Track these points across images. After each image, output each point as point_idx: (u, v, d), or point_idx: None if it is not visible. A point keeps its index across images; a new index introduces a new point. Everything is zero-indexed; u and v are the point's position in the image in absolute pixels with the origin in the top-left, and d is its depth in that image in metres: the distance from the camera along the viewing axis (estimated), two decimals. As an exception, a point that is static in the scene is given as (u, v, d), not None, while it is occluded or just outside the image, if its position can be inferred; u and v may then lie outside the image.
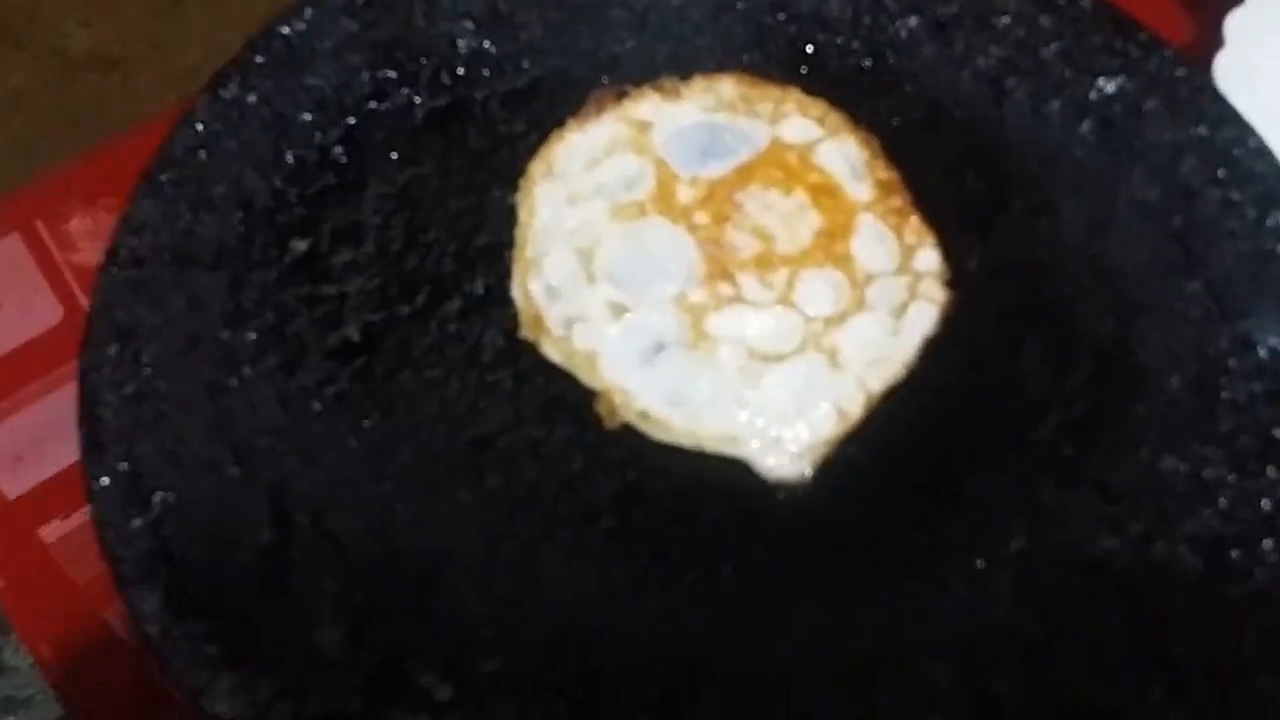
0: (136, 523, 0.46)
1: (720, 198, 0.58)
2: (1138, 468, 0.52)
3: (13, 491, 0.62)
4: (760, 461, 0.52)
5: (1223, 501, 0.50)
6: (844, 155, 0.59)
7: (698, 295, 0.56)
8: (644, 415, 0.53)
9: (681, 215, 0.58)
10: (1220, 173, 0.59)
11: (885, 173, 0.59)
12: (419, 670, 0.45)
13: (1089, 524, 0.50)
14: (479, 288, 0.56)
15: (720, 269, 0.57)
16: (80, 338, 0.52)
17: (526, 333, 0.55)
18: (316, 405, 0.51)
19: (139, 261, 0.52)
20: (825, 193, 0.58)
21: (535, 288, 0.56)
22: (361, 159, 0.59)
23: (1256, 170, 0.59)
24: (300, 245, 0.55)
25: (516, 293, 0.56)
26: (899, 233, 0.58)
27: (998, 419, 0.54)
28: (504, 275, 0.57)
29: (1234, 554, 0.49)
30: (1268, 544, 0.49)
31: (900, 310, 0.56)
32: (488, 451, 0.52)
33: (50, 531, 0.60)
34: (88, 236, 0.68)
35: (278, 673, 0.44)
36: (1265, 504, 0.50)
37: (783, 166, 0.59)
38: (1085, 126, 0.62)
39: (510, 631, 0.47)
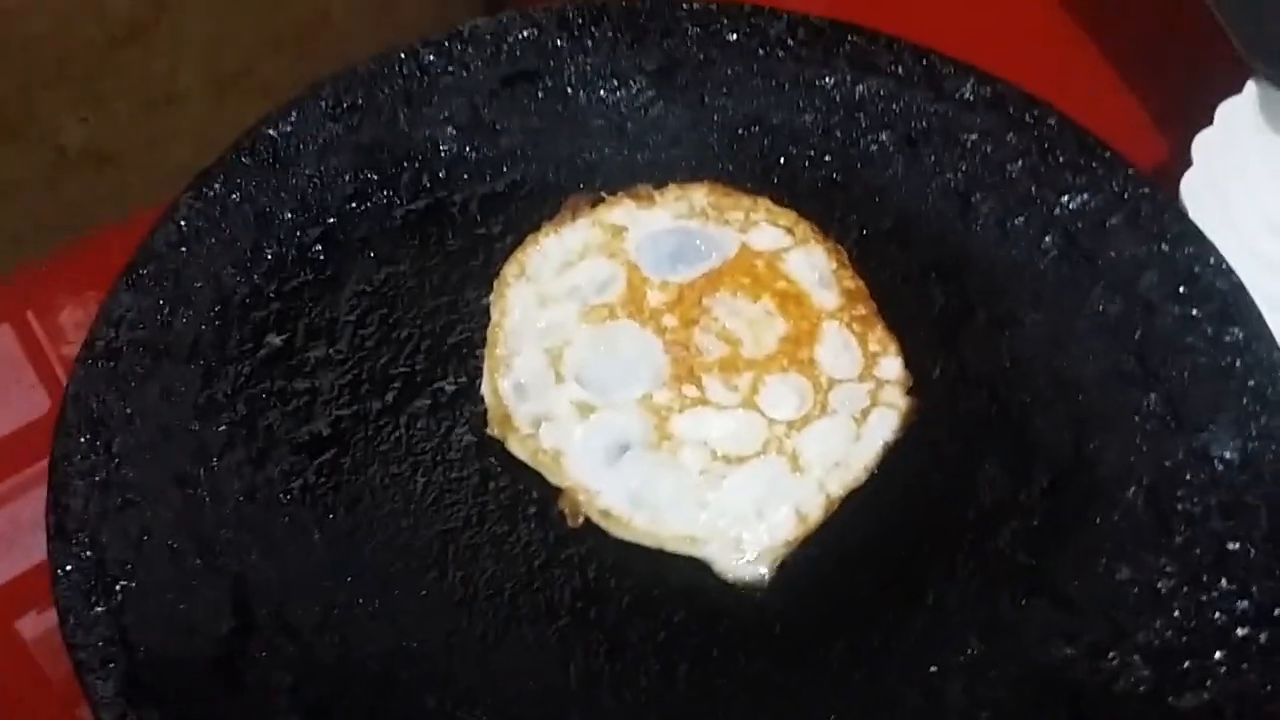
0: (98, 609, 0.47)
1: (689, 302, 0.60)
2: (1093, 578, 0.52)
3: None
4: (720, 562, 0.53)
5: (1176, 612, 0.51)
6: (811, 263, 0.61)
7: (663, 396, 0.57)
8: (606, 514, 0.54)
9: (650, 318, 0.59)
10: (1181, 288, 0.61)
11: (852, 281, 0.61)
12: (370, 766, 0.45)
13: (1043, 633, 0.51)
14: (450, 385, 0.58)
15: (686, 371, 0.58)
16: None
17: (494, 430, 0.56)
18: (283, 498, 0.52)
19: (114, 353, 0.53)
20: (792, 300, 0.59)
21: (505, 386, 0.57)
22: (340, 257, 0.60)
23: (1216, 286, 0.61)
24: (275, 340, 0.56)
25: (486, 390, 0.57)
26: (863, 340, 0.59)
27: (956, 526, 0.54)
28: (475, 373, 0.58)
29: (1187, 664, 0.49)
30: (1219, 655, 0.49)
31: (862, 416, 0.57)
32: (451, 547, 0.53)
33: (27, 625, 0.61)
34: (77, 328, 0.70)
35: (229, 764, 0.44)
36: (1218, 616, 0.50)
37: (751, 273, 0.60)
38: (1049, 241, 0.64)
39: (463, 727, 0.48)
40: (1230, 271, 0.61)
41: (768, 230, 0.63)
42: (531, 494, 0.55)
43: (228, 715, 0.45)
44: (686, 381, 0.57)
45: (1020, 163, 0.66)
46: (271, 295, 0.58)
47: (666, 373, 0.58)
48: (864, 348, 0.59)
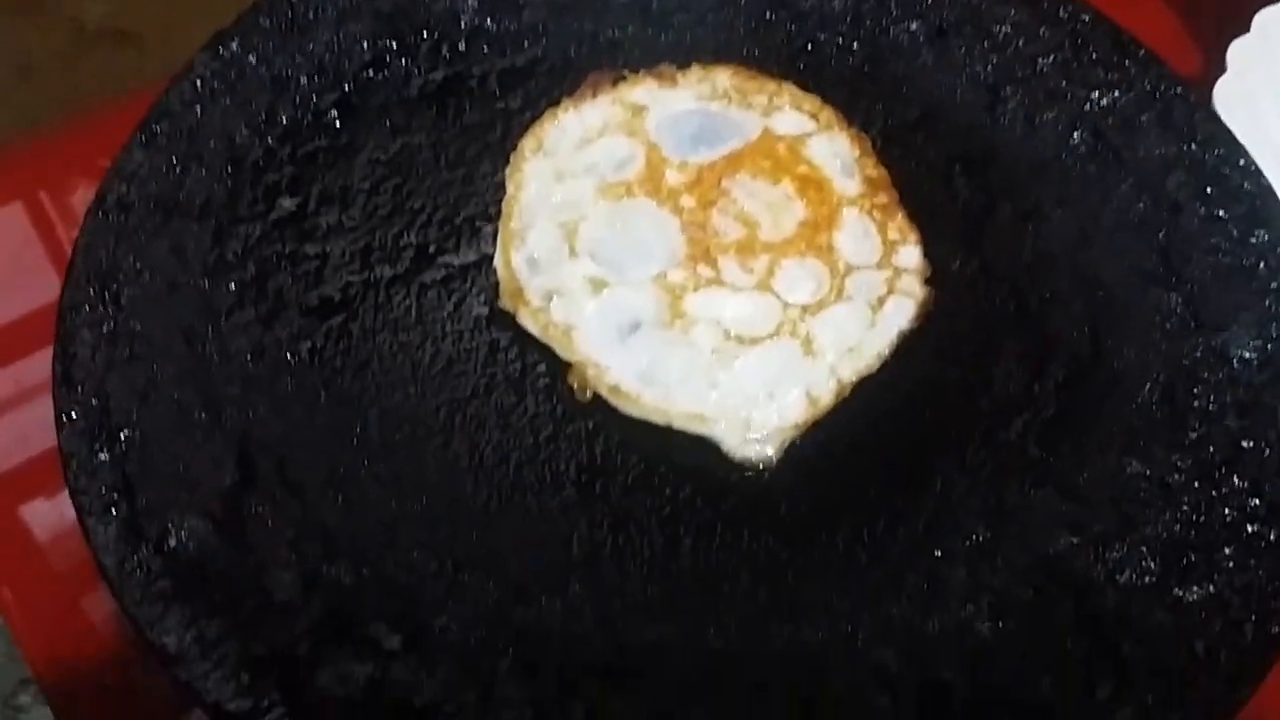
0: (101, 457, 0.47)
1: (708, 183, 0.59)
2: (1103, 471, 0.52)
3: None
4: (728, 441, 0.53)
5: (1185, 507, 0.50)
6: (834, 150, 0.60)
7: (678, 275, 0.56)
8: (615, 390, 0.53)
9: (668, 197, 0.58)
10: (1208, 189, 0.60)
11: (874, 170, 0.60)
12: (369, 619, 0.45)
13: (1050, 523, 0.50)
14: (462, 257, 0.57)
15: (702, 251, 0.57)
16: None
17: (506, 303, 0.56)
18: (290, 359, 0.52)
19: (126, 208, 0.52)
20: (812, 185, 0.58)
21: (518, 260, 0.56)
22: (355, 124, 0.59)
23: (1245, 188, 0.60)
24: (287, 203, 0.55)
25: (499, 263, 0.57)
26: (883, 229, 0.58)
27: (967, 416, 0.54)
28: (488, 247, 0.57)
29: (1193, 558, 0.49)
30: (1228, 550, 0.49)
31: (878, 304, 0.56)
32: (457, 416, 0.52)
33: (37, 511, 0.61)
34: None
35: (228, 612, 0.44)
36: (1228, 512, 0.50)
37: (772, 157, 0.59)
38: (1077, 137, 0.62)
39: (463, 590, 0.47)
40: (1259, 174, 0.60)
41: (791, 115, 0.62)
42: (540, 367, 0.54)
43: (228, 567, 0.45)
44: (702, 262, 0.56)
45: (1052, 57, 0.65)
46: (285, 159, 0.57)
47: (682, 252, 0.57)
48: (883, 235, 0.58)
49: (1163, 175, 0.60)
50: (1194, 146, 0.61)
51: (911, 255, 0.57)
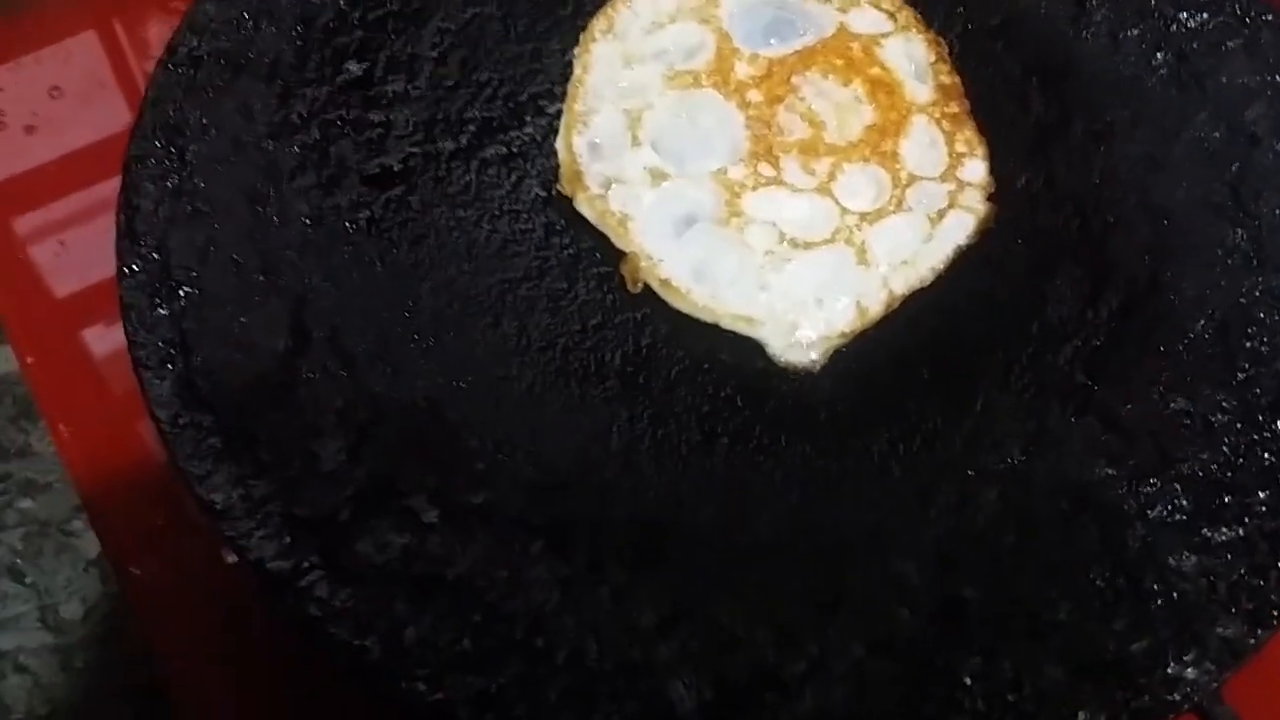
0: (160, 311, 0.48)
1: (777, 78, 0.58)
2: (1147, 404, 0.52)
3: (61, 291, 0.63)
4: (773, 344, 0.53)
5: (1225, 448, 0.50)
6: (909, 53, 0.59)
7: (738, 173, 0.56)
8: (666, 283, 0.53)
9: (735, 91, 0.58)
10: (1292, 124, 0.59)
11: (949, 77, 0.59)
12: (409, 492, 0.46)
13: (1088, 451, 0.50)
14: (524, 136, 0.57)
15: (765, 149, 0.56)
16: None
17: (564, 187, 0.56)
18: (349, 227, 0.52)
19: (195, 62, 0.53)
20: (884, 88, 0.57)
21: (579, 144, 0.56)
22: (427, -9, 0.59)
23: (1326, 126, 0.58)
24: (355, 68, 0.55)
25: (560, 146, 0.57)
26: (951, 139, 0.57)
27: (1016, 338, 0.54)
28: (550, 128, 0.57)
29: (1227, 500, 0.49)
30: (1263, 495, 0.49)
31: (938, 217, 0.56)
32: (509, 296, 0.53)
33: (95, 336, 0.62)
34: (162, 43, 0.69)
35: (274, 473, 0.45)
36: (1268, 456, 0.50)
37: (845, 56, 0.58)
38: (1160, 58, 0.61)
39: (501, 470, 0.48)
40: (1344, 112, 0.59)
41: (869, 13, 0.61)
42: (594, 255, 0.55)
43: (277, 429, 0.47)
44: (764, 160, 0.56)
45: (1142, -28, 0.63)
46: (355, 22, 0.57)
47: (744, 149, 0.56)
48: (950, 147, 0.57)
49: (1243, 106, 0.59)
50: (1278, 78, 0.59)
51: (977, 169, 0.57)
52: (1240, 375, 0.52)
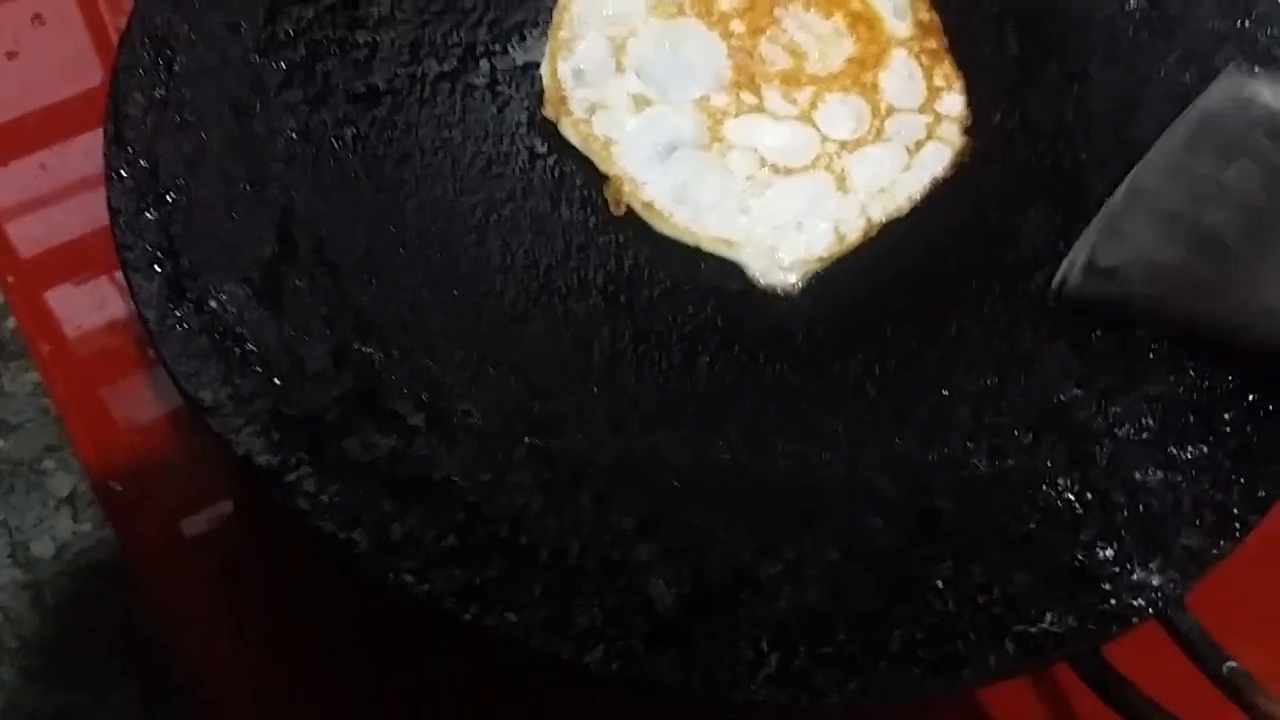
0: (147, 215, 0.48)
1: (760, 10, 0.59)
2: (1117, 332, 0.53)
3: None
4: (753, 267, 0.54)
5: (1192, 372, 0.52)
6: (888, -12, 0.60)
7: (720, 100, 0.57)
8: (649, 206, 0.54)
9: (719, 21, 0.58)
10: (1256, 68, 0.60)
11: (927, 14, 0.60)
12: (395, 397, 0.47)
13: (1058, 373, 0.52)
14: (509, 62, 0.58)
15: (747, 78, 0.57)
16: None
17: (549, 111, 0.56)
18: (335, 143, 0.53)
19: (182, -26, 0.53)
20: (864, 22, 0.59)
21: (564, 69, 0.57)
22: (413, -88, 0.60)
23: (1292, 70, 0.60)
24: (340, -12, 0.56)
25: (545, 72, 0.57)
26: (929, 74, 0.58)
27: (990, 265, 0.55)
28: (535, 53, 0.58)
29: (1193, 419, 0.50)
30: (1228, 415, 0.50)
31: (916, 148, 0.57)
32: (492, 216, 0.53)
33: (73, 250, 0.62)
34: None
35: (261, 374, 0.45)
36: (1231, 378, 0.51)
37: (826, -11, 0.59)
38: (1133, 2, 0.62)
39: (486, 381, 0.49)
40: (1312, 58, 0.60)
41: (850, -51, 0.62)
42: (577, 179, 0.55)
43: (263, 333, 0.47)
44: (746, 88, 0.57)
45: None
46: (342, -56, 0.58)
47: (727, 77, 0.57)
48: (928, 80, 0.58)
49: (1212, 50, 0.60)
50: (1248, 24, 0.61)
51: (954, 103, 0.58)
52: (1207, 303, 0.54)
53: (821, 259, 0.54)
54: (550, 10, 0.58)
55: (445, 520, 0.44)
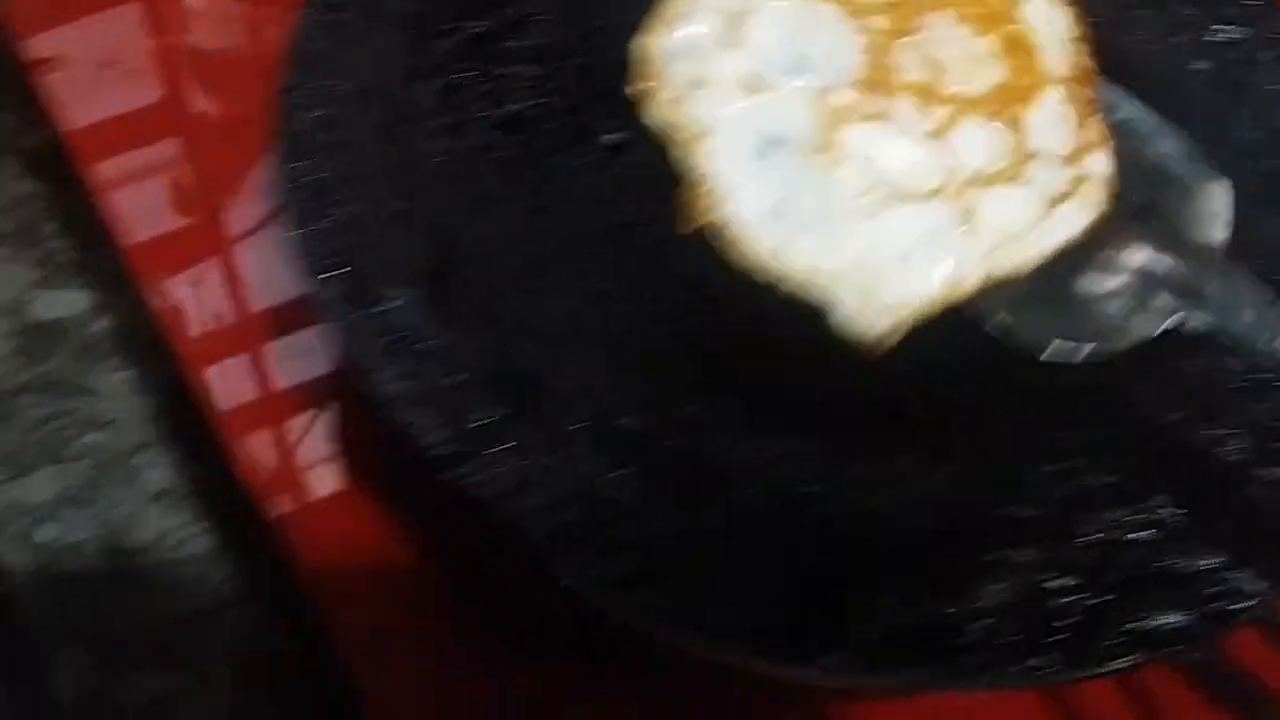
0: (324, 223, 0.53)
1: (907, 10, 0.54)
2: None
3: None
4: (845, 305, 0.51)
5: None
6: (1052, 20, 0.52)
7: (844, 97, 0.52)
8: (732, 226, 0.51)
9: (858, 11, 0.54)
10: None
11: (1089, 60, 0.53)
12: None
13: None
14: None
15: (880, 79, 0.53)
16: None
17: (637, 86, 0.54)
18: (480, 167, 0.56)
19: (337, 8, 0.57)
20: (1022, 50, 0.53)
21: (666, 41, 0.54)
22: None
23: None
24: (476, 27, 0.58)
25: (644, 43, 0.54)
26: (1084, 124, 0.53)
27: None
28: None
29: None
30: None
31: (1056, 200, 0.53)
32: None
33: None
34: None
35: (435, 369, 0.50)
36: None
37: (987, 5, 0.52)
38: (1201, 65, 0.61)
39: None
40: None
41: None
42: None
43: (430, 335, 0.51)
44: (876, 90, 0.53)
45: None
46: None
47: (857, 74, 0.53)
48: (1080, 131, 0.52)
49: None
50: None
51: (1102, 164, 0.53)
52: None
53: (927, 306, 0.51)
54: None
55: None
